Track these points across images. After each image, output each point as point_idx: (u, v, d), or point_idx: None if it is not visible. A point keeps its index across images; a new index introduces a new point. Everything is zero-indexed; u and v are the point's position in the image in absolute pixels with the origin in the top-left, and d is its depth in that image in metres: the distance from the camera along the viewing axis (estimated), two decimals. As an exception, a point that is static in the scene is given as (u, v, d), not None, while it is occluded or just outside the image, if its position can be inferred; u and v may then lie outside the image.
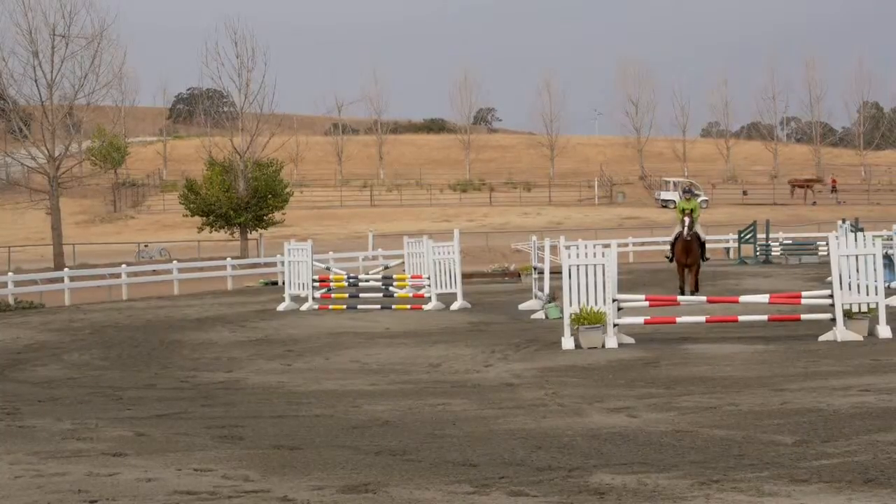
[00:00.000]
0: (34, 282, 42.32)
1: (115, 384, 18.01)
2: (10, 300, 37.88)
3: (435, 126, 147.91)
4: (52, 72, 57.35)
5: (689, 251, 29.02)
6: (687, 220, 28.98)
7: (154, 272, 47.55)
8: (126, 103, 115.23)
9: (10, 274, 41.87)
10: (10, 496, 9.90)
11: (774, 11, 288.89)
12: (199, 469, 10.91)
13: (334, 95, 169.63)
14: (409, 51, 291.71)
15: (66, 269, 45.27)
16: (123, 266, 45.21)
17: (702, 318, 21.82)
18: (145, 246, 68.97)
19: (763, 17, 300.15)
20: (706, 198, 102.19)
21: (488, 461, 10.87)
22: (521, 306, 29.79)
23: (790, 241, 55.24)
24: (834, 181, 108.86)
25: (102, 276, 44.60)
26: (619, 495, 9.36)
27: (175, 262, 48.44)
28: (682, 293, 27.87)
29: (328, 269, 37.16)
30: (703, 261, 29.94)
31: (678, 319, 22.01)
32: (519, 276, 42.31)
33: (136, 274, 45.46)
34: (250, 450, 11.91)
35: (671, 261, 30.03)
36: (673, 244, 29.71)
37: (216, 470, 10.84)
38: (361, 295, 32.86)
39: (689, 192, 30.22)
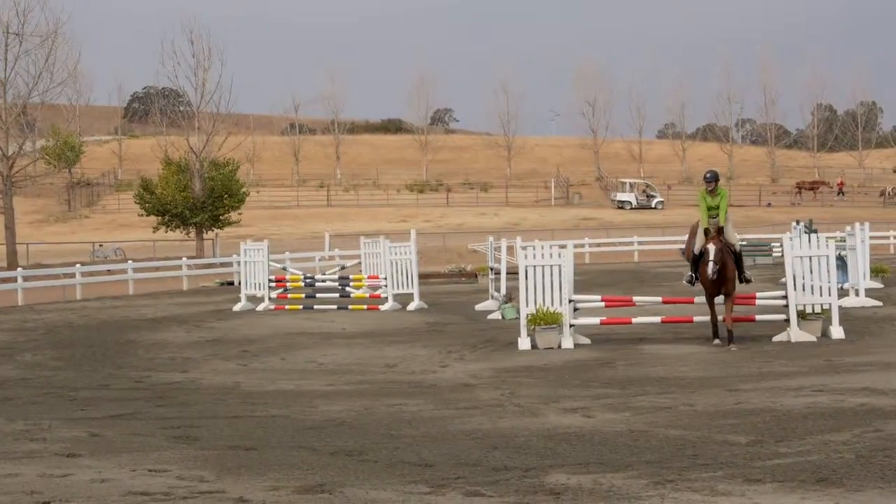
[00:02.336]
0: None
1: (69, 384, 17.89)
2: (-37, 300, 37.54)
3: (392, 126, 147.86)
4: (5, 70, 57.02)
5: (722, 277, 20.20)
6: (713, 224, 20.26)
7: (109, 272, 47.23)
8: (81, 102, 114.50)
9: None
10: (-39, 498, 9.82)
11: (730, 15, 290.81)
12: (154, 470, 10.85)
13: (291, 95, 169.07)
14: (367, 51, 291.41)
15: (19, 269, 44.88)
16: (78, 266, 44.89)
17: (657, 319, 21.93)
18: (100, 245, 68.46)
19: (719, 20, 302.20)
20: (661, 199, 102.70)
21: (444, 461, 10.87)
22: (478, 307, 29.83)
23: (745, 242, 55.50)
24: (841, 183, 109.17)
25: (56, 276, 44.26)
26: (575, 495, 9.39)
27: (130, 261, 48.14)
28: (716, 336, 20.52)
29: (284, 269, 37.06)
30: (744, 282, 21.04)
31: (634, 320, 22.10)
32: (475, 276, 42.35)
33: (90, 274, 45.15)
34: (206, 450, 11.86)
35: (692, 284, 21.20)
36: (696, 261, 20.67)
37: (171, 470, 10.79)
38: (318, 295, 32.81)
39: (712, 180, 20.62)
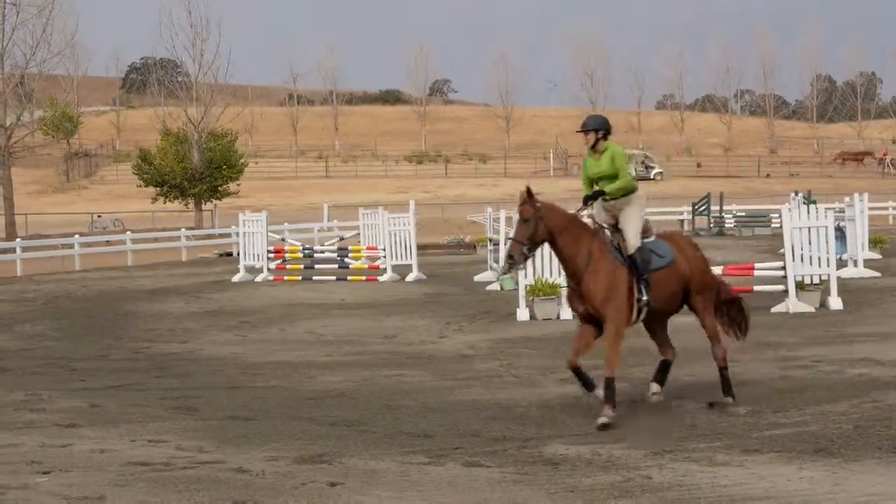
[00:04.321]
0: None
1: (69, 355, 17.91)
2: (-38, 271, 37.53)
3: (390, 97, 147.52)
4: (2, 40, 56.74)
5: (586, 291, 11.52)
6: (588, 211, 12.29)
7: (107, 243, 47.19)
8: (79, 73, 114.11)
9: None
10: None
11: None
12: (154, 440, 10.89)
13: (289, 66, 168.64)
14: (365, 21, 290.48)
15: (18, 240, 44.84)
16: (76, 237, 44.83)
17: (656, 290, 21.91)
18: (98, 216, 68.40)
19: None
20: (660, 169, 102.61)
21: (443, 432, 10.91)
22: (477, 278, 29.82)
23: (743, 214, 55.52)
24: (884, 154, 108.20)
25: (55, 247, 44.25)
26: (573, 465, 9.43)
27: (129, 232, 48.09)
28: (588, 388, 11.65)
29: (283, 240, 37.03)
30: (639, 314, 11.73)
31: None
32: (474, 247, 42.33)
33: (89, 245, 45.14)
34: (205, 421, 11.89)
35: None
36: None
37: (170, 441, 10.82)
38: (317, 266, 32.78)
39: (588, 129, 11.92)
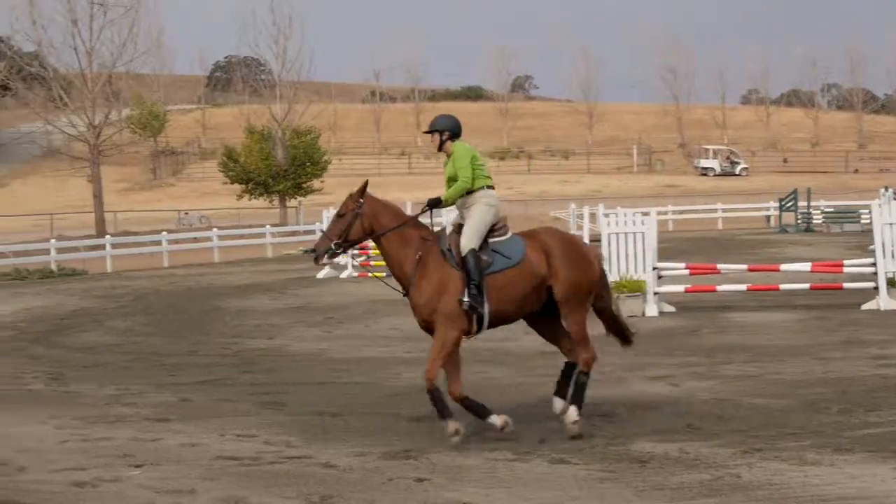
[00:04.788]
0: (76, 249, 42.61)
1: (158, 350, 18.14)
2: (53, 267, 38.17)
3: (472, 94, 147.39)
4: (90, 40, 57.55)
5: (415, 300, 11.07)
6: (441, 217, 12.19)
7: (194, 240, 47.75)
8: (164, 71, 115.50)
9: (52, 241, 42.20)
10: (56, 460, 10.02)
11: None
12: (242, 435, 11.00)
13: (372, 63, 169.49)
14: (447, 18, 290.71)
15: (107, 237, 45.55)
16: (164, 233, 45.41)
17: (743, 287, 21.71)
18: (185, 213, 69.27)
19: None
20: (746, 165, 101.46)
21: (528, 429, 10.88)
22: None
23: (832, 209, 54.78)
24: None
25: (143, 244, 44.86)
26: (661, 463, 9.36)
27: (215, 229, 48.64)
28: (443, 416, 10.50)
29: (367, 236, 37.20)
30: (472, 330, 10.80)
31: (719, 288, 21.92)
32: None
33: (176, 241, 45.68)
34: (292, 416, 11.98)
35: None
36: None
37: (259, 436, 10.92)
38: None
39: (433, 130, 11.37)
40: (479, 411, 10.59)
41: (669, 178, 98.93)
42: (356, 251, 32.74)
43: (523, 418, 11.30)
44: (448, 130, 11.25)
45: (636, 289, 20.72)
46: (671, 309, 21.27)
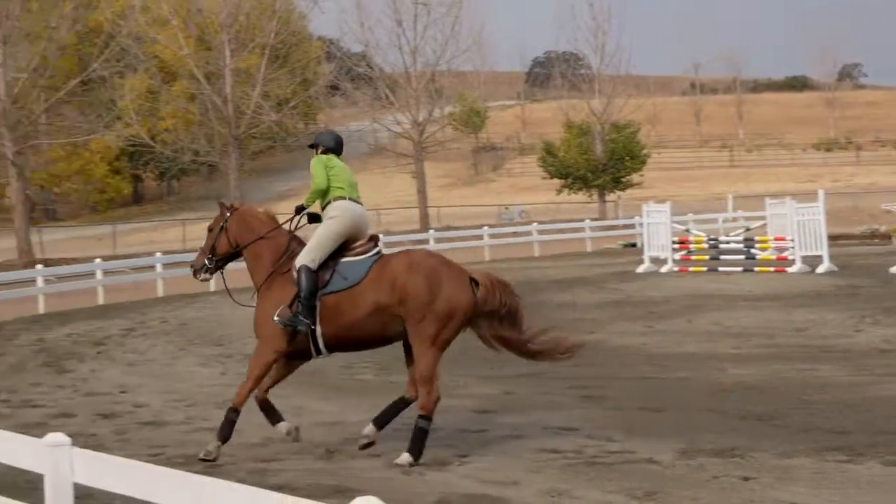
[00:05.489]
0: (401, 243, 43.87)
1: (480, 343, 18.37)
2: (379, 261, 39.54)
3: (797, 83, 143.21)
4: (414, 39, 59.20)
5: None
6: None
7: (514, 234, 48.34)
8: (485, 68, 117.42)
9: (379, 236, 43.72)
10: (386, 449, 10.32)
11: None
12: (564, 428, 11.04)
13: (691, 55, 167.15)
14: (769, 6, 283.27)
15: (430, 231, 46.69)
16: (485, 228, 46.16)
17: None
18: (506, 208, 70.29)
19: None
20: None
21: (861, 429, 10.47)
22: (893, 270, 28.43)
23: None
24: None
25: (465, 238, 45.76)
26: None
27: (535, 224, 49.09)
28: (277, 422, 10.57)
29: (687, 230, 36.70)
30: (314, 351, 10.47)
31: None
32: (889, 238, 40.48)
33: (497, 236, 46.37)
34: (613, 410, 11.95)
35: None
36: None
37: (580, 429, 10.94)
38: (722, 257, 32.28)
39: (311, 146, 11.22)
40: (271, 417, 10.29)
41: None
42: (676, 246, 32.47)
43: (853, 418, 10.87)
44: (322, 145, 10.83)
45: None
46: None
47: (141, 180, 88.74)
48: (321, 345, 10.16)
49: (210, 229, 10.83)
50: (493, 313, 10.31)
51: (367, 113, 63.95)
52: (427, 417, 9.86)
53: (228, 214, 10.71)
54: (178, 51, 53.64)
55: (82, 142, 59.17)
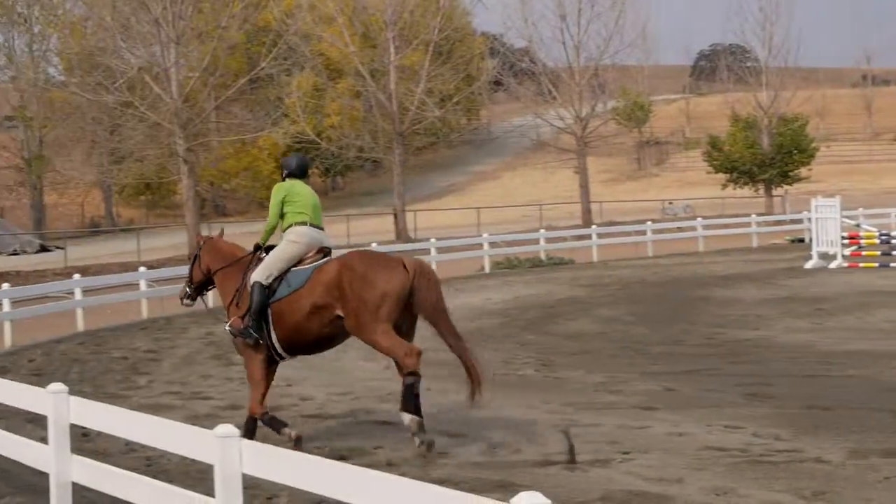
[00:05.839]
0: (564, 238, 43.76)
1: (643, 339, 18.27)
2: (542, 256, 39.39)
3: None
4: (578, 34, 58.95)
5: None
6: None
7: (678, 229, 47.76)
8: (649, 62, 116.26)
9: (541, 231, 43.56)
10: (547, 443, 10.30)
11: None
12: (729, 426, 10.86)
13: (862, 46, 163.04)
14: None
15: (593, 227, 46.44)
16: (648, 223, 45.70)
17: None
18: (670, 203, 69.51)
19: None
20: None
21: None
22: None
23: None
24: None
25: (628, 234, 45.38)
26: None
27: (699, 219, 48.44)
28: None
29: (858, 225, 35.77)
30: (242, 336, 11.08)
31: None
32: None
33: (660, 231, 45.85)
34: (780, 409, 11.70)
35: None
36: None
37: (746, 427, 10.74)
38: (894, 253, 31.38)
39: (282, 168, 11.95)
40: (276, 427, 10.71)
41: None
42: (846, 241, 31.66)
43: None
44: (286, 168, 11.54)
45: None
46: None
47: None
48: (279, 349, 10.90)
49: (189, 257, 11.95)
50: (429, 304, 10.47)
51: (530, 108, 63.97)
52: (413, 373, 10.20)
53: (202, 244, 11.75)
54: (344, 48, 54.36)
55: (250, 139, 60.40)
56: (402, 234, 49.79)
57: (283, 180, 11.38)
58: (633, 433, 10.69)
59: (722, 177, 66.08)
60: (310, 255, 10.99)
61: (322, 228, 11.25)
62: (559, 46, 59.74)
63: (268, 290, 10.79)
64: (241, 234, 58.46)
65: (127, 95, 45.33)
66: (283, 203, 11.11)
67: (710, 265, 34.48)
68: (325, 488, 5.69)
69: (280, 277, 10.83)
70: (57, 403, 7.90)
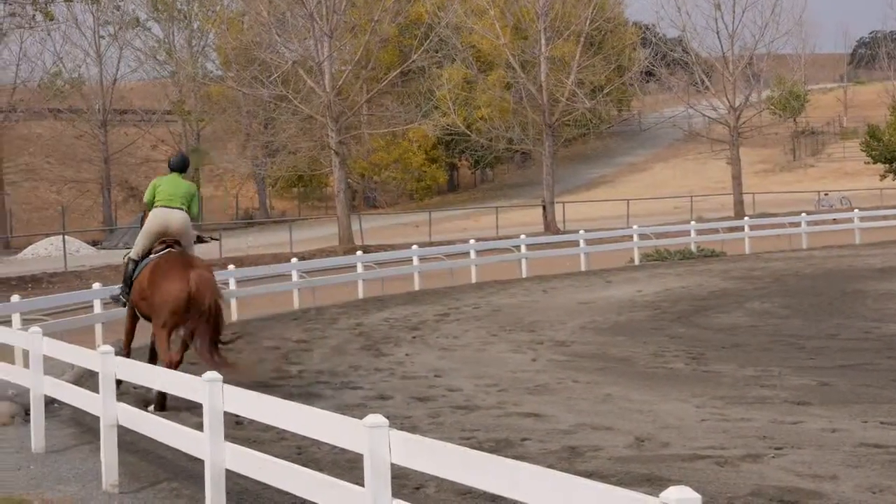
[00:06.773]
0: (715, 230, 43.14)
1: (797, 333, 17.91)
2: (693, 248, 38.91)
3: None
4: (733, 22, 58.06)
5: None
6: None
7: (834, 221, 46.71)
8: (806, 51, 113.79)
9: (692, 223, 42.99)
10: (697, 438, 10.19)
11: None
12: (886, 422, 10.60)
13: None
14: None
15: (746, 218, 45.65)
16: (803, 215, 44.78)
17: None
18: (825, 194, 68.04)
19: None
20: None
21: None
22: None
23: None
24: None
25: (782, 225, 44.55)
26: None
27: (856, 210, 47.28)
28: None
29: None
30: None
31: None
32: None
33: (815, 223, 44.91)
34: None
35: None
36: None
37: (904, 424, 10.46)
38: None
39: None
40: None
41: None
42: None
43: None
44: (169, 166, 14.04)
45: None
46: None
47: (456, 168, 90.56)
48: (138, 313, 13.47)
49: None
50: (202, 312, 12.43)
51: (682, 98, 63.19)
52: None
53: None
54: (495, 40, 54.44)
55: (401, 131, 60.87)
56: (550, 226, 49.63)
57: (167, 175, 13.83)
58: (786, 428, 10.50)
59: (880, 167, 64.47)
60: (157, 245, 13.21)
61: (182, 209, 13.46)
62: (713, 35, 58.98)
63: (135, 265, 13.29)
64: (392, 225, 59.09)
65: (281, 89, 46.02)
66: (154, 191, 13.61)
67: (866, 258, 33.65)
68: (474, 479, 5.70)
69: (146, 254, 13.21)
70: (212, 391, 8.07)
